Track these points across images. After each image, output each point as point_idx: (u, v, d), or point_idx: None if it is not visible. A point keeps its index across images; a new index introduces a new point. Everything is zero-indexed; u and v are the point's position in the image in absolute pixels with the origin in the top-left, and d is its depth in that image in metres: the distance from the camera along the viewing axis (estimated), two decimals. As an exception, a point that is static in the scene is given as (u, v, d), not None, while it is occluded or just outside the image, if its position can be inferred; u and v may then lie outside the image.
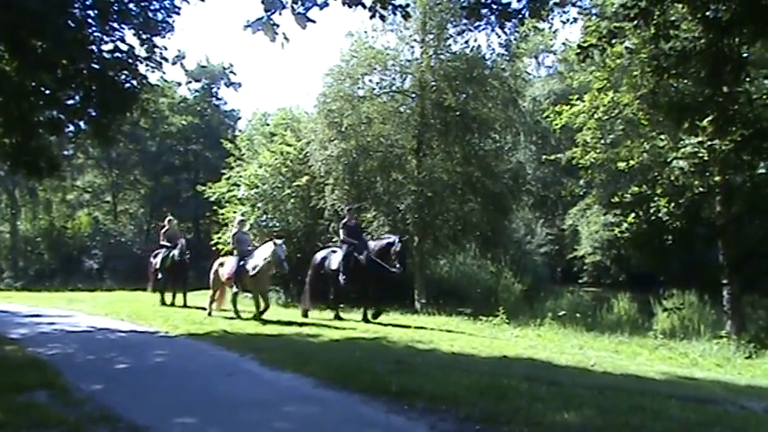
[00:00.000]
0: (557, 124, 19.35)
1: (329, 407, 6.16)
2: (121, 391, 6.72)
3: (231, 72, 46.67)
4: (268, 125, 27.89)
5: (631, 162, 17.22)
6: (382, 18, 7.12)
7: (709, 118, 8.71)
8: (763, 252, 6.12)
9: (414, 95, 21.63)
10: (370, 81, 21.92)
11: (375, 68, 21.57)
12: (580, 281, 31.73)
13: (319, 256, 16.42)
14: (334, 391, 6.67)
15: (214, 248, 25.79)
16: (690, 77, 6.45)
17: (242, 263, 14.63)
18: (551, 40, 34.97)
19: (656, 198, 15.00)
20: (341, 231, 15.69)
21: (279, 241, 14.10)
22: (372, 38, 21.69)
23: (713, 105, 6.33)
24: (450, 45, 21.62)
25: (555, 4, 6.30)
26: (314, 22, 6.69)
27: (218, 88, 46.81)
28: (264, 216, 23.09)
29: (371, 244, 15.16)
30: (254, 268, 14.20)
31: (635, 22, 5.55)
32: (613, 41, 6.79)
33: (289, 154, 23.33)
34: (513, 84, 21.90)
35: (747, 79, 6.94)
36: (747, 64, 6.14)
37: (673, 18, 6.28)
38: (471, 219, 21.45)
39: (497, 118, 21.82)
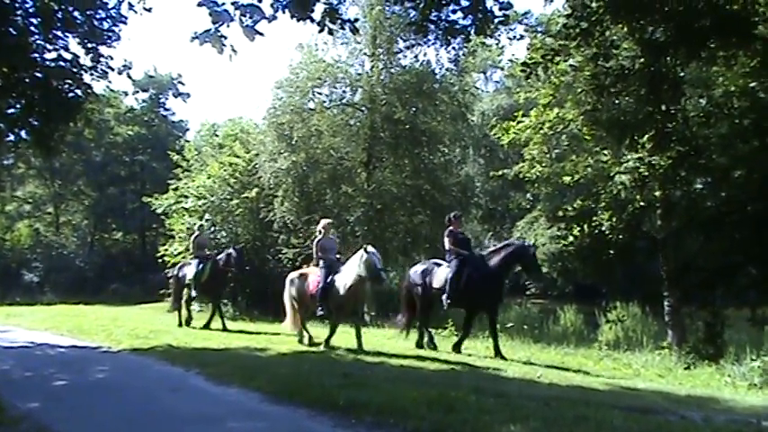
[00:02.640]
0: (504, 139, 19.62)
1: (276, 422, 6.12)
2: (60, 409, 6.55)
3: (179, 82, 46.12)
4: (217, 136, 27.72)
5: (576, 176, 17.55)
6: (330, 32, 7.16)
7: (648, 135, 8.99)
8: (701, 265, 6.35)
9: (364, 109, 21.73)
10: (320, 94, 22.02)
11: (325, 81, 21.66)
12: (528, 293, 32.07)
13: (418, 269, 13.17)
14: (281, 406, 6.61)
15: (161, 261, 25.46)
16: (630, 95, 6.67)
17: (330, 278, 11.86)
18: (499, 56, 35.53)
19: (599, 212, 15.36)
20: (446, 241, 12.60)
21: (371, 248, 11.46)
22: (323, 51, 21.78)
23: (652, 123, 6.56)
24: (399, 59, 21.89)
25: (500, 22, 6.43)
26: (262, 34, 6.71)
27: (166, 99, 46.16)
28: (213, 227, 22.85)
29: (494, 258, 12.12)
30: (345, 285, 11.56)
31: (577, 42, 5.71)
32: (557, 59, 6.97)
33: (238, 165, 23.23)
34: (462, 98, 22.20)
35: (684, 98, 7.21)
36: (683, 83, 6.38)
37: (613, 38, 6.48)
38: (421, 231, 21.60)
39: (446, 132, 22.12)
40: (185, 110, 76.69)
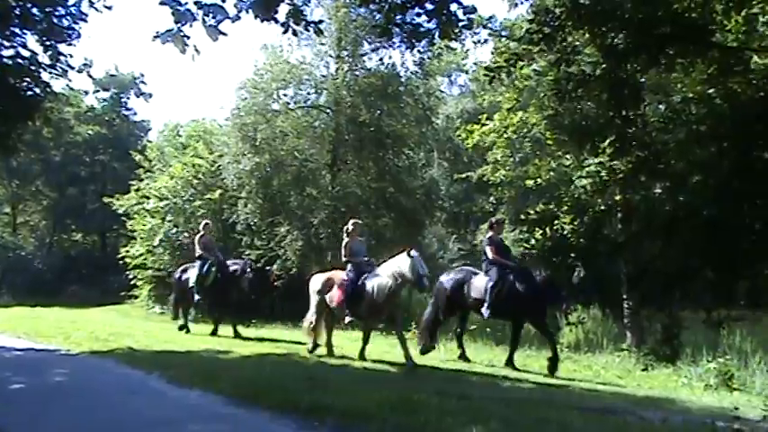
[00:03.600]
0: (468, 142, 19.77)
1: (238, 425, 6.08)
2: (16, 413, 6.41)
3: (141, 82, 45.50)
4: (180, 137, 27.47)
5: (539, 180, 17.78)
6: (295, 33, 7.13)
7: (609, 140, 9.11)
8: (659, 268, 6.48)
9: (329, 111, 21.67)
10: (285, 95, 21.90)
11: (290, 83, 21.57)
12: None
13: (452, 278, 12.36)
14: (243, 409, 6.57)
15: (122, 262, 25.12)
16: (591, 101, 6.79)
17: (359, 282, 11.07)
18: (464, 59, 35.74)
19: (561, 215, 15.53)
20: (487, 249, 11.90)
21: (415, 253, 10.70)
22: (287, 52, 21.68)
23: (612, 128, 6.68)
24: (365, 62, 21.83)
25: (464, 26, 6.48)
26: (225, 34, 6.66)
27: (128, 98, 45.49)
28: (175, 229, 22.62)
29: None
30: (382, 289, 10.71)
31: (539, 47, 5.79)
32: (520, 64, 7.04)
33: (201, 167, 23.07)
34: (427, 101, 22.23)
35: (644, 104, 7.34)
36: (643, 90, 6.51)
37: (575, 44, 6.58)
38: (385, 234, 21.58)
39: (411, 135, 22.13)
40: (147, 110, 75.85)
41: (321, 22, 7.87)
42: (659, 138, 6.47)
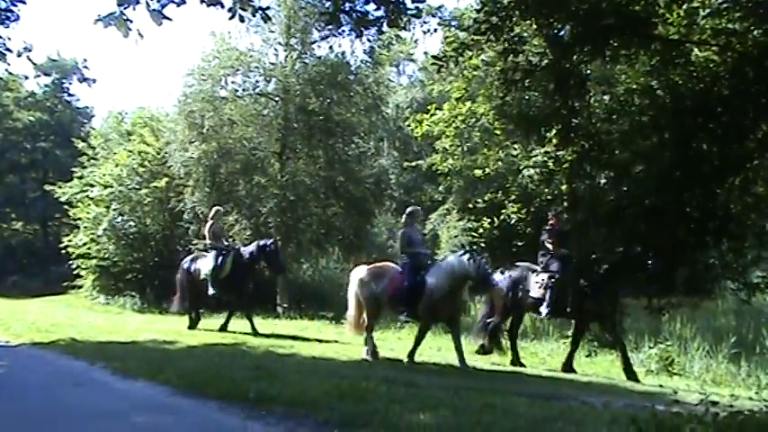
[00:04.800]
0: (417, 131, 19.83)
1: (184, 415, 5.99)
2: (-50, 408, 6.22)
3: (84, 67, 44.35)
4: (125, 124, 26.96)
5: (487, 170, 17.92)
6: (242, 19, 7.03)
7: (555, 130, 9.28)
8: (602, 256, 6.62)
9: (277, 99, 21.48)
10: (233, 83, 21.60)
11: (238, 70, 21.29)
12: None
13: (507, 275, 11.30)
14: (190, 400, 6.48)
15: (64, 252, 24.55)
16: (537, 91, 6.86)
17: (419, 276, 9.94)
18: (413, 49, 35.79)
19: (508, 204, 15.78)
20: (548, 242, 10.76)
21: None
22: (236, 39, 21.40)
23: (558, 118, 6.77)
24: (314, 50, 21.73)
25: (413, 15, 6.47)
26: (170, 19, 6.52)
27: (70, 83, 44.28)
28: (120, 217, 22.20)
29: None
30: (444, 286, 9.70)
31: (487, 36, 5.83)
32: (468, 53, 7.08)
33: (147, 154, 22.69)
34: (377, 90, 22.23)
35: (589, 95, 7.48)
36: (588, 80, 6.63)
37: (523, 35, 6.64)
38: (334, 223, 21.59)
39: (361, 123, 22.14)
40: (91, 96, 73.93)
41: (269, 8, 7.79)
42: (603, 128, 6.60)
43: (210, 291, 13.64)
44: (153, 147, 22.95)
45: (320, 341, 12.16)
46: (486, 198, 17.02)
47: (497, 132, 17.30)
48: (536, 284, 10.78)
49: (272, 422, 5.64)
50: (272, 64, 21.57)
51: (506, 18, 5.62)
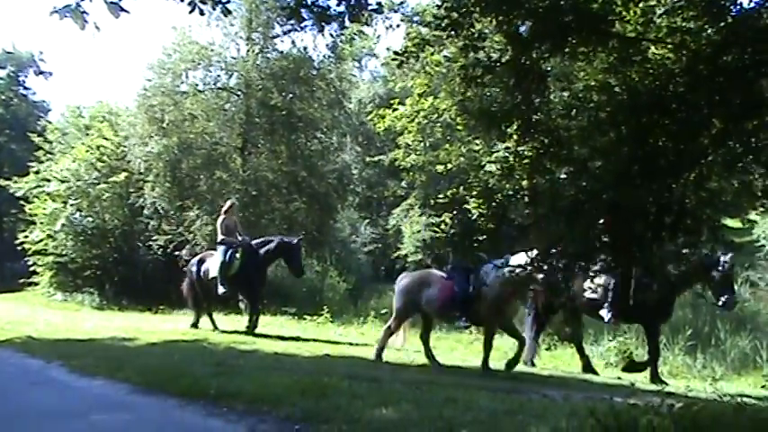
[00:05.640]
0: (380, 127, 19.87)
1: (144, 413, 5.95)
2: None
3: (41, 60, 43.53)
4: (83, 118, 26.56)
5: (449, 165, 18.05)
6: (201, 12, 6.95)
7: (515, 125, 9.33)
8: (561, 250, 6.70)
9: (239, 93, 21.40)
10: (194, 77, 21.46)
11: (199, 64, 21.16)
12: (403, 280, 32.64)
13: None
14: (150, 397, 6.44)
15: (20, 248, 24.07)
16: (498, 86, 6.92)
17: (472, 279, 9.46)
18: (375, 44, 35.78)
19: (470, 200, 15.84)
20: None
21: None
22: (197, 33, 21.22)
23: (518, 114, 6.83)
24: (276, 44, 21.68)
25: (374, 10, 6.48)
26: (127, 12, 6.42)
27: (26, 77, 43.46)
28: (78, 213, 21.86)
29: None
30: (499, 288, 9.21)
31: (447, 32, 5.87)
32: (428, 49, 7.11)
33: (105, 149, 22.37)
34: (339, 85, 22.28)
35: (548, 91, 7.55)
36: (548, 77, 6.68)
37: (484, 31, 6.69)
38: (297, 218, 21.54)
39: (323, 118, 22.15)
40: (48, 90, 72.39)
41: (229, 2, 7.71)
42: (563, 124, 6.67)
43: (220, 290, 12.77)
44: (112, 141, 22.65)
45: (282, 338, 12.10)
46: (448, 193, 17.10)
47: (459, 128, 17.43)
48: (591, 284, 10.16)
49: (233, 419, 5.63)
50: (234, 58, 21.46)
51: (467, 14, 5.65)
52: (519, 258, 9.08)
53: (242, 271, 12.62)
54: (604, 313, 10.08)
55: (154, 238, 20.73)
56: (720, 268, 9.38)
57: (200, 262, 13.47)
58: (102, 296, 20.61)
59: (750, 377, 10.19)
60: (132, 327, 13.42)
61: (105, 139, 22.77)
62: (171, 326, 13.65)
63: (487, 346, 9.56)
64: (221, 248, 12.86)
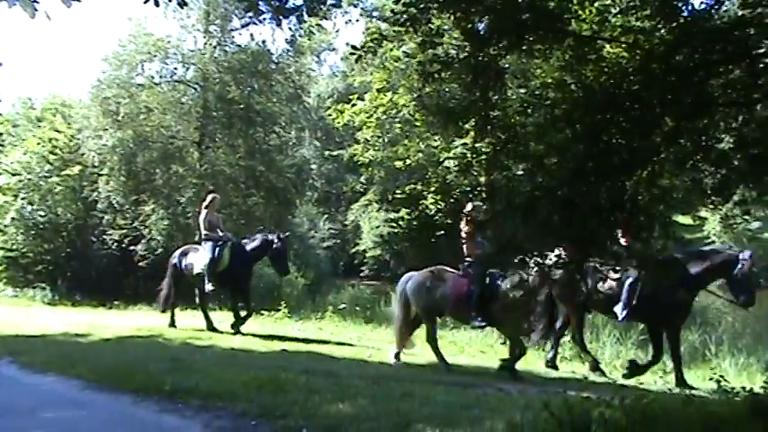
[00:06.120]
0: (338, 121, 19.84)
1: (96, 410, 5.87)
2: None
3: (-10, 50, 42.45)
4: (35, 110, 26.01)
5: (408, 161, 18.09)
6: (156, 3, 6.86)
7: (473, 121, 9.44)
8: (517, 246, 6.73)
9: (196, 86, 21.15)
10: (150, 69, 21.13)
11: (155, 56, 20.81)
12: (361, 274, 32.70)
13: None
14: (102, 394, 6.35)
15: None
16: (455, 83, 6.96)
17: (494, 280, 9.14)
18: (334, 39, 35.70)
19: (428, 195, 15.96)
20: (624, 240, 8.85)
21: None
22: (153, 24, 20.94)
23: (475, 110, 6.89)
24: (234, 37, 21.50)
25: (332, 4, 6.47)
26: (79, 0, 6.31)
27: (-26, 67, 42.31)
28: (29, 207, 21.38)
29: (694, 265, 9.35)
30: (518, 285, 8.97)
31: (405, 28, 5.88)
32: (388, 44, 7.11)
33: (58, 141, 21.89)
34: (298, 80, 22.21)
35: (505, 88, 7.66)
36: (505, 74, 6.76)
37: (444, 27, 6.74)
38: (255, 213, 21.39)
39: (282, 113, 22.05)
40: (-3, 81, 70.44)
41: (186, -7, 7.62)
42: (519, 121, 6.75)
43: (208, 287, 12.33)
44: (65, 134, 22.16)
45: (240, 333, 11.98)
46: (406, 189, 17.17)
47: (418, 124, 17.48)
48: (608, 281, 9.82)
49: (188, 415, 5.59)
50: (191, 51, 21.19)
51: (425, 10, 5.67)
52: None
53: (229, 268, 12.29)
54: (618, 310, 9.75)
55: (108, 232, 20.40)
56: (740, 266, 9.14)
57: (183, 255, 12.97)
58: (55, 291, 20.16)
59: (699, 370, 10.42)
60: (85, 322, 13.16)
61: (58, 131, 22.26)
62: (125, 321, 13.40)
63: (519, 347, 9.30)
64: (208, 244, 12.44)
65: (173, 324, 12.57)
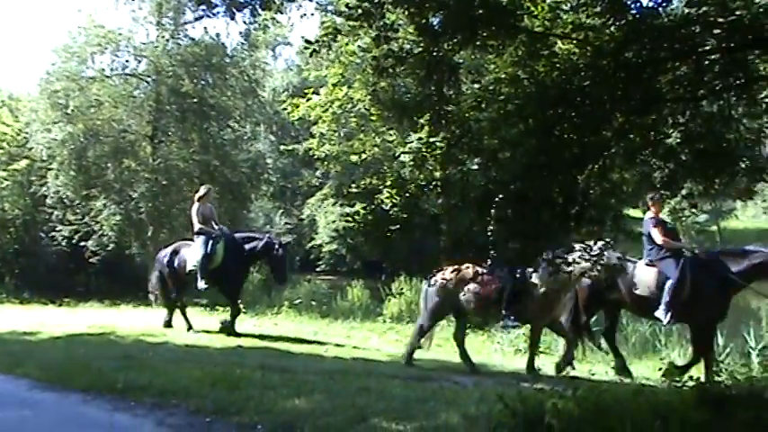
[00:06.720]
0: (294, 116, 19.75)
1: (45, 409, 5.74)
2: None
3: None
4: (-21, 103, 25.36)
5: (364, 155, 18.10)
6: (107, -5, 6.72)
7: (427, 116, 9.46)
8: (471, 239, 6.79)
9: (149, 79, 20.82)
10: (101, 62, 20.74)
11: (106, 48, 20.42)
12: (318, 269, 32.58)
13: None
14: (51, 393, 6.22)
15: None
16: (410, 78, 6.95)
17: (520, 275, 8.73)
18: (289, 32, 35.46)
19: (383, 189, 15.99)
20: (654, 232, 9.07)
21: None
22: (104, 16, 20.56)
23: (429, 105, 6.89)
24: (187, 30, 21.23)
25: (285, -1, 6.44)
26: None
27: None
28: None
29: (735, 263, 8.86)
30: (550, 282, 8.55)
31: (359, 23, 5.88)
32: (343, 39, 7.11)
33: (5, 135, 21.39)
34: (253, 74, 22.05)
35: (460, 83, 7.71)
36: (459, 69, 6.79)
37: (399, 22, 6.75)
38: (210, 208, 21.16)
39: (237, 107, 21.87)
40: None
41: (137, -16, 7.49)
42: (473, 115, 6.82)
43: (201, 284, 11.55)
44: (12, 127, 21.70)
45: (194, 330, 11.81)
46: (362, 183, 17.19)
47: (373, 118, 17.49)
48: (643, 281, 9.28)
49: (140, 413, 5.52)
50: (144, 44, 20.85)
51: (379, 5, 5.68)
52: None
53: (223, 265, 11.54)
54: (661, 314, 9.14)
55: (58, 228, 20.06)
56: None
57: (174, 252, 12.10)
58: (2, 289, 19.71)
59: (650, 361, 10.63)
60: (34, 320, 12.89)
61: (4, 124, 21.80)
62: (76, 319, 13.13)
63: (534, 346, 9.11)
64: (201, 239, 11.64)
65: (169, 324, 11.93)
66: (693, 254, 9.25)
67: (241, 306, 12.27)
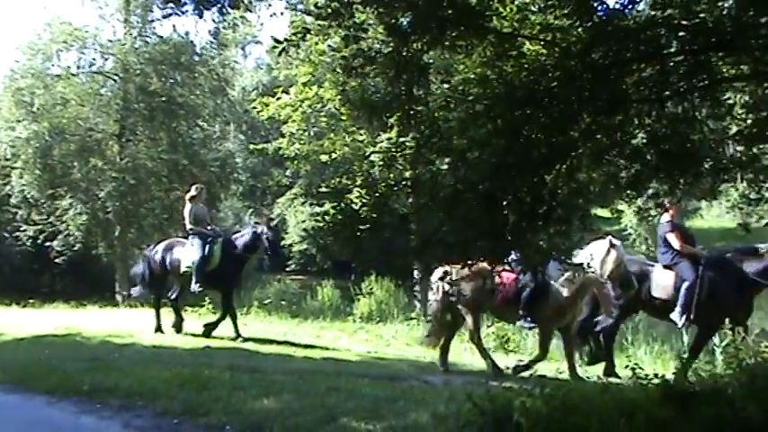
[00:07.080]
0: (263, 115, 19.66)
1: (8, 412, 5.68)
2: None
3: None
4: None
5: (334, 155, 18.08)
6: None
7: (396, 116, 9.42)
8: (441, 239, 6.81)
9: (116, 78, 20.62)
10: (67, 59, 20.55)
11: (72, 46, 20.22)
12: (288, 269, 32.46)
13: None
14: (15, 395, 6.16)
15: None
16: (379, 77, 6.97)
17: (539, 276, 8.45)
18: (258, 31, 35.28)
19: (353, 189, 15.93)
20: (671, 237, 9.29)
21: (616, 242, 8.59)
22: (70, 13, 20.34)
23: (398, 105, 6.92)
24: (155, 28, 21.12)
25: (254, -3, 6.39)
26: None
27: None
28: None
29: (752, 264, 8.86)
30: (568, 286, 8.58)
31: (328, 22, 5.86)
32: (312, 38, 7.08)
33: (-33, 133, 21.02)
34: (222, 72, 21.99)
35: (429, 83, 7.72)
36: (429, 69, 6.80)
37: (369, 21, 6.74)
38: (178, 207, 20.91)
39: (206, 106, 21.81)
40: None
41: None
42: (442, 115, 6.80)
43: (195, 287, 11.26)
44: (-25, 125, 21.30)
45: (161, 331, 11.67)
46: (332, 183, 17.15)
47: (343, 118, 17.47)
48: (661, 285, 9.31)
49: (107, 415, 5.48)
50: (110, 41, 20.67)
51: (348, 4, 5.66)
52: (585, 253, 8.44)
53: (220, 267, 11.27)
54: (676, 317, 9.14)
55: (22, 228, 19.83)
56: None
57: (167, 250, 11.68)
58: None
59: (617, 359, 10.77)
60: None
61: (-33, 122, 21.39)
62: (42, 320, 12.93)
63: (543, 350, 9.01)
64: (197, 241, 11.33)
65: (159, 329, 11.57)
66: (708, 257, 9.17)
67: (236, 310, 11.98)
